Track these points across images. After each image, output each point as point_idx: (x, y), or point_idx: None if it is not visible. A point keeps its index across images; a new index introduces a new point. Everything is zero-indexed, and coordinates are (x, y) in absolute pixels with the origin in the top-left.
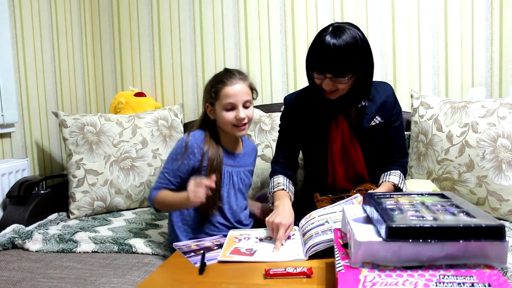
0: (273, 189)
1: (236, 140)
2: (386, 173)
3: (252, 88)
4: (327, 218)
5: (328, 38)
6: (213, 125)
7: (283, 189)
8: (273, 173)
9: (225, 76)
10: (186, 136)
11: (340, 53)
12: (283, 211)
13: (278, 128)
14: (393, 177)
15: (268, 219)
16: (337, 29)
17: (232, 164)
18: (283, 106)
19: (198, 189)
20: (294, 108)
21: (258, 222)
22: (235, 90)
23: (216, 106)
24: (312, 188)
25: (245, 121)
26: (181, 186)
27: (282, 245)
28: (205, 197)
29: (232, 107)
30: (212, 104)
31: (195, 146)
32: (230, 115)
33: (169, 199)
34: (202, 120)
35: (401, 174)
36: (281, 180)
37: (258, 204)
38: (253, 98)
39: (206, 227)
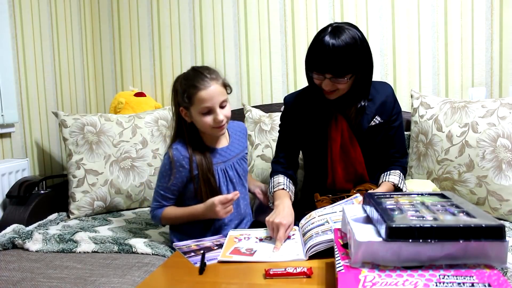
0: (273, 188)
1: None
2: (386, 173)
3: (226, 85)
4: (327, 218)
5: (327, 38)
6: (190, 127)
7: (283, 188)
8: (273, 173)
9: (196, 79)
10: (169, 151)
11: (339, 54)
12: (283, 210)
13: (278, 128)
14: (393, 177)
15: (268, 218)
16: (336, 29)
17: (223, 160)
18: (283, 106)
19: (226, 205)
20: (294, 108)
21: (257, 221)
22: (210, 93)
23: (191, 110)
24: (312, 188)
25: (224, 122)
26: (179, 198)
27: (281, 245)
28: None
29: (209, 111)
30: (187, 108)
31: (181, 158)
32: (208, 119)
33: (180, 215)
34: (177, 124)
35: (401, 174)
36: (281, 179)
37: (259, 183)
38: (228, 94)
39: (215, 228)
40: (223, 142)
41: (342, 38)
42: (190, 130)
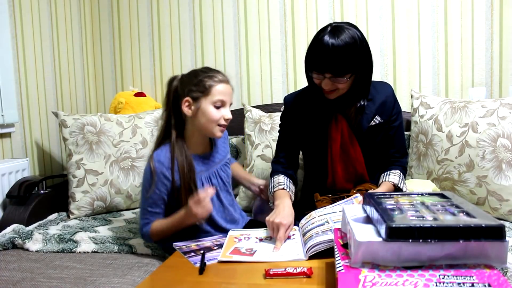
0: (274, 188)
1: (205, 140)
2: (386, 173)
3: (232, 89)
4: (327, 218)
5: (326, 38)
6: (179, 129)
7: (283, 188)
8: (273, 173)
9: (215, 73)
10: (151, 162)
11: (338, 53)
12: (283, 210)
13: (278, 128)
14: (393, 177)
15: (268, 218)
16: (335, 29)
17: (207, 168)
18: (283, 106)
19: (202, 204)
20: (294, 108)
21: (256, 221)
22: (227, 89)
23: (201, 100)
24: (312, 188)
25: (228, 121)
26: (166, 209)
27: (281, 245)
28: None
29: (222, 105)
30: (196, 99)
31: (164, 170)
32: (218, 113)
33: (167, 226)
34: (166, 125)
35: (401, 174)
36: (281, 179)
37: (253, 180)
38: None
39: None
40: (207, 148)
41: (342, 38)
42: (179, 133)
